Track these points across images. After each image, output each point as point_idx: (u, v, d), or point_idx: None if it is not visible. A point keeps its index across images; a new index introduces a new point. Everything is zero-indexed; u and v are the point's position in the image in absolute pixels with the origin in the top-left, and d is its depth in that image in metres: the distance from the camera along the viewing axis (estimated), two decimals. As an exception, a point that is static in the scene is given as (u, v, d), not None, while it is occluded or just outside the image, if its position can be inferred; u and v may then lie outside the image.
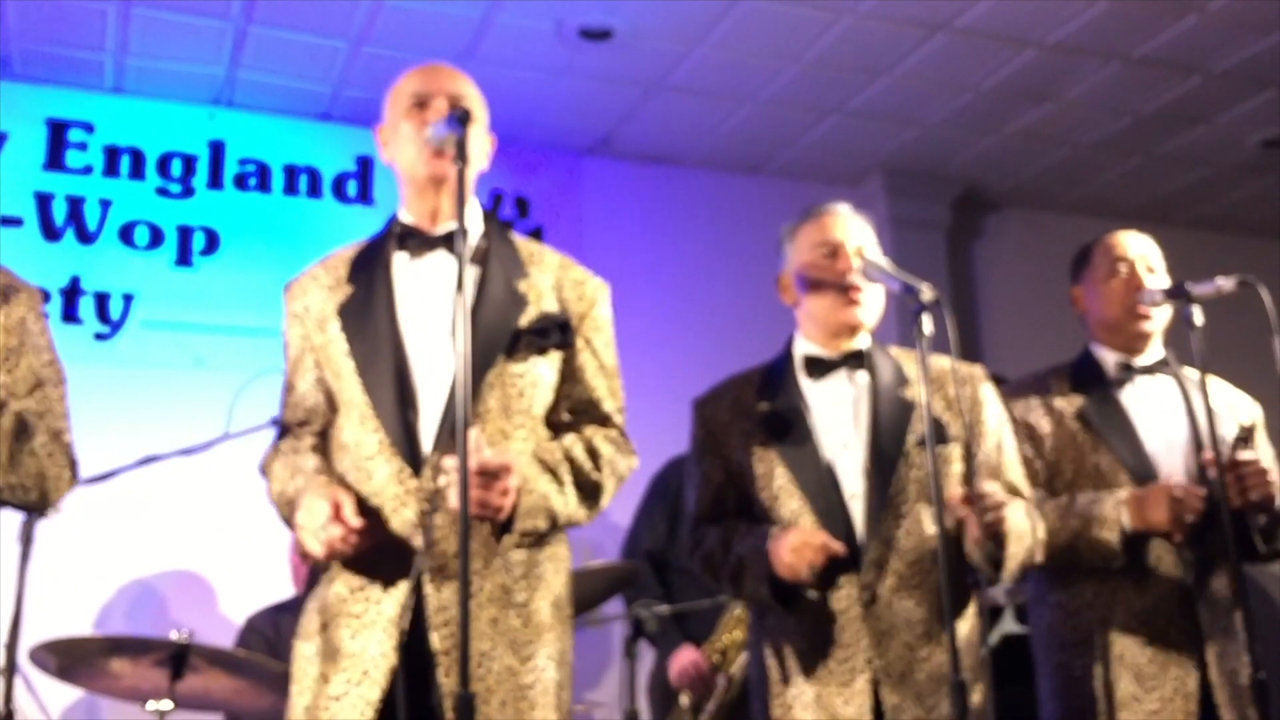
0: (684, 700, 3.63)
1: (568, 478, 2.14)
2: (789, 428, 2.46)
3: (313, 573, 2.21)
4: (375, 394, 2.11)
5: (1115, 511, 2.61)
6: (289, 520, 2.14)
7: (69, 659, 3.31)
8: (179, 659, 3.18)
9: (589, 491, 2.17)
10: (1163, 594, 2.64)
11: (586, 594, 3.97)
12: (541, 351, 2.18)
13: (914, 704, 2.29)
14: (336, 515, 1.97)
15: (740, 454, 2.50)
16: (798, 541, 2.28)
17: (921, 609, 2.35)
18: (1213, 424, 2.55)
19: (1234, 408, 2.83)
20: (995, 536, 2.24)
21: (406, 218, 2.26)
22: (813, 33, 4.60)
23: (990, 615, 3.72)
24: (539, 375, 2.18)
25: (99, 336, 4.65)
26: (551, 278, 2.26)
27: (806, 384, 2.50)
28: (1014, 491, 2.47)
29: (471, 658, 1.98)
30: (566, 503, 2.13)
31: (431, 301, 2.18)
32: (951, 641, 2.12)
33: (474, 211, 2.27)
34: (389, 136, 2.31)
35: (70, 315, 4.62)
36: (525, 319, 2.18)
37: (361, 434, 2.11)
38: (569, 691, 2.16)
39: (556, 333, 2.18)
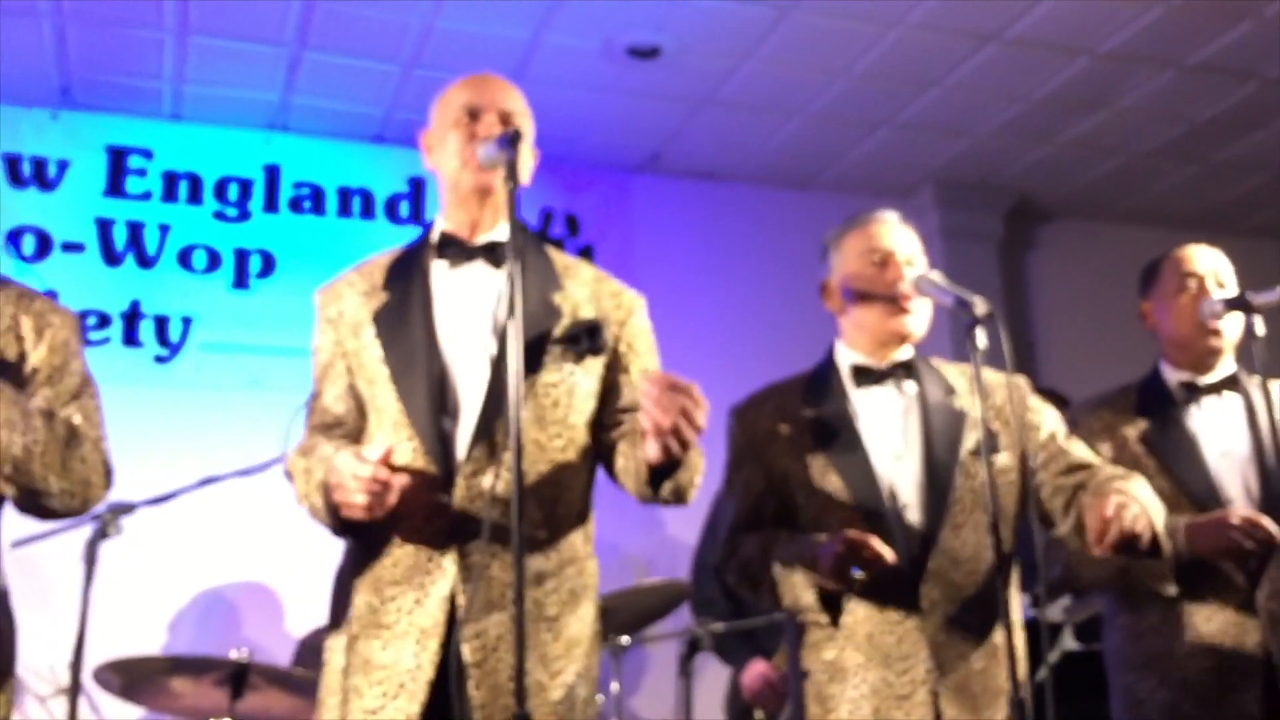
0: (759, 715, 3.61)
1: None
2: (837, 435, 2.43)
3: (338, 585, 2.17)
4: (409, 401, 2.08)
5: (1169, 539, 2.54)
6: (325, 509, 2.05)
7: (132, 678, 3.36)
8: (239, 678, 3.22)
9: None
10: (1228, 618, 2.59)
11: (641, 611, 3.97)
12: (577, 359, 2.15)
13: (972, 716, 2.26)
14: (384, 460, 1.92)
15: (784, 461, 2.45)
16: (854, 539, 2.21)
17: (976, 619, 2.32)
18: (1277, 439, 2.51)
19: None
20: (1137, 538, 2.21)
21: (445, 226, 2.25)
22: (862, 45, 4.59)
23: (1050, 633, 3.67)
24: (575, 384, 2.15)
25: (159, 359, 4.72)
26: (587, 290, 2.25)
27: (854, 392, 2.48)
28: (1083, 467, 2.43)
29: (504, 671, 1.99)
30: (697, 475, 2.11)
31: (468, 311, 2.17)
32: (1011, 653, 2.09)
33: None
34: (434, 143, 2.30)
35: (131, 339, 4.70)
36: (559, 330, 2.16)
37: (394, 440, 2.07)
38: (595, 709, 2.15)
39: (585, 338, 2.15)
